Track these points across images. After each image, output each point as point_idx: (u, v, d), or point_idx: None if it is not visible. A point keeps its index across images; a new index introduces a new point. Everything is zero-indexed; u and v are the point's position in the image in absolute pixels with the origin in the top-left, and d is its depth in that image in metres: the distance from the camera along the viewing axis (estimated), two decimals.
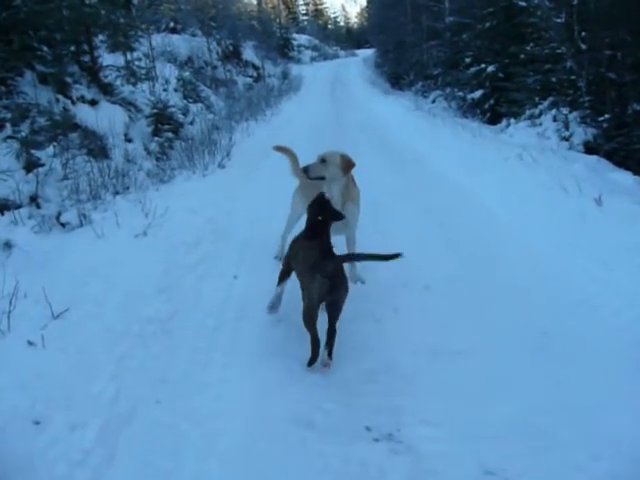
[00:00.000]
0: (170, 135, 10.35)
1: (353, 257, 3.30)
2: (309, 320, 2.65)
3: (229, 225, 4.88)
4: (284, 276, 3.10)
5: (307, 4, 55.96)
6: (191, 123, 11.99)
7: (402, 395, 2.46)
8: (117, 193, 6.69)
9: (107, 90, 10.29)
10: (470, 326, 3.00)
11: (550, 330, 2.88)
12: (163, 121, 10.51)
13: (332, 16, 58.26)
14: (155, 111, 10.39)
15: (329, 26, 55.55)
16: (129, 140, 9.76)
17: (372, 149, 8.10)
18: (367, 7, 47.82)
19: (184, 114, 11.98)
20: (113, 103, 9.97)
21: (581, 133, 7.75)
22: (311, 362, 2.68)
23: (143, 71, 13.54)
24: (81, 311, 3.05)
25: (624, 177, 5.67)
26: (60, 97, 8.81)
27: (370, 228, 4.43)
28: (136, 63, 13.70)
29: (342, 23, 59.00)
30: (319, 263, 2.62)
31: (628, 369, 2.52)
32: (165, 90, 13.41)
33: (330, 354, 2.67)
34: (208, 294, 3.52)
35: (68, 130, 8.15)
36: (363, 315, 3.16)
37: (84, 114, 8.81)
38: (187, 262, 3.95)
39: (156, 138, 10.06)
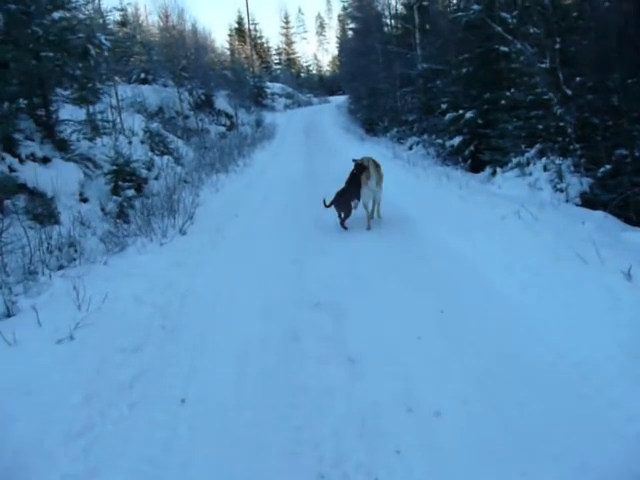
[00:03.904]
0: (131, 193, 9.50)
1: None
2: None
3: (182, 316, 3.98)
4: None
5: (280, 54, 56.66)
6: (156, 178, 11.19)
7: None
8: (61, 267, 5.79)
9: (62, 146, 9.50)
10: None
11: None
12: (124, 178, 9.68)
13: (305, 65, 58.98)
14: (115, 167, 9.57)
15: (302, 74, 56.05)
16: (84, 200, 8.90)
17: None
18: (339, 55, 48.64)
19: (149, 169, 11.19)
20: (68, 160, 9.15)
21: (576, 183, 7.14)
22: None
23: (107, 124, 12.82)
24: None
25: (639, 237, 4.97)
26: (6, 155, 8.01)
27: (353, 315, 3.64)
28: (100, 116, 12.99)
29: (315, 71, 59.66)
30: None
31: None
32: (130, 143, 12.66)
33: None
34: (142, 436, 2.59)
35: (10, 193, 7.29)
36: None
37: (32, 174, 7.96)
38: (120, 379, 3.03)
39: (115, 197, 9.21)
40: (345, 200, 6.50)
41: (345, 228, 6.51)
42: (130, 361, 3.24)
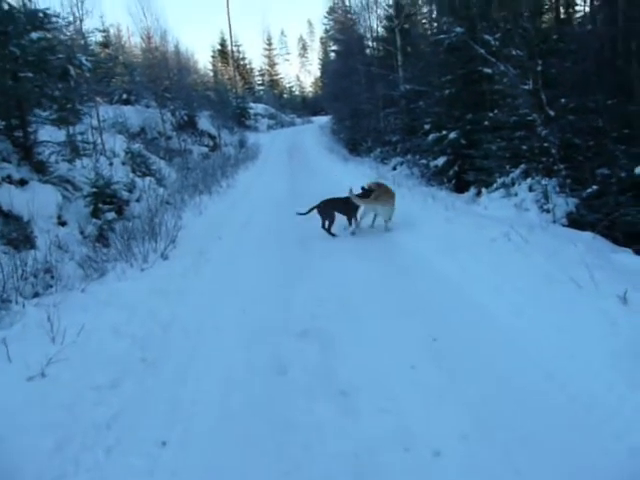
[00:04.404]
0: (112, 216, 9.28)
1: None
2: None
3: (163, 347, 3.78)
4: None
5: (262, 75, 57.04)
6: (137, 200, 10.96)
7: None
8: (36, 295, 5.55)
9: (40, 168, 9.29)
10: None
11: None
12: (105, 200, 9.45)
13: (287, 86, 59.39)
14: (95, 189, 9.34)
15: (285, 95, 56.45)
16: (63, 223, 8.65)
17: (338, 230, 7.22)
18: (321, 77, 49.09)
19: (130, 191, 10.97)
20: (46, 182, 8.93)
21: (562, 204, 7.13)
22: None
23: (88, 145, 12.62)
24: None
25: (629, 258, 4.92)
26: None
27: (342, 342, 3.49)
28: (80, 137, 12.79)
29: (297, 92, 60.09)
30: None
31: None
32: (111, 164, 12.44)
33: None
34: None
35: None
36: None
37: (8, 197, 7.72)
38: (95, 420, 2.81)
39: (95, 220, 8.97)
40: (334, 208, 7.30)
41: (329, 232, 7.19)
42: (107, 399, 3.02)
